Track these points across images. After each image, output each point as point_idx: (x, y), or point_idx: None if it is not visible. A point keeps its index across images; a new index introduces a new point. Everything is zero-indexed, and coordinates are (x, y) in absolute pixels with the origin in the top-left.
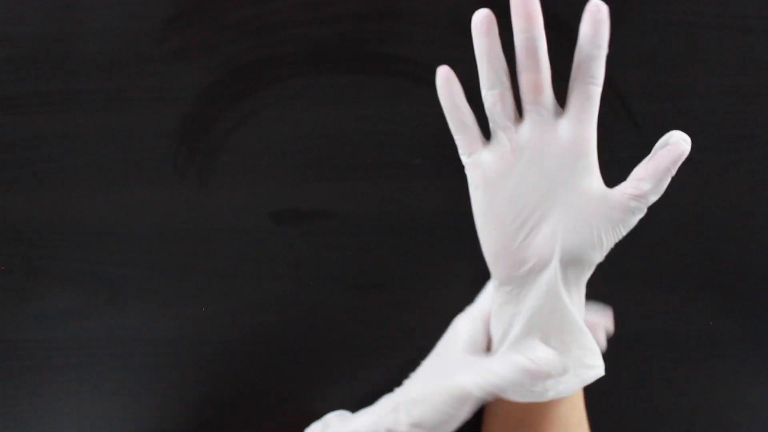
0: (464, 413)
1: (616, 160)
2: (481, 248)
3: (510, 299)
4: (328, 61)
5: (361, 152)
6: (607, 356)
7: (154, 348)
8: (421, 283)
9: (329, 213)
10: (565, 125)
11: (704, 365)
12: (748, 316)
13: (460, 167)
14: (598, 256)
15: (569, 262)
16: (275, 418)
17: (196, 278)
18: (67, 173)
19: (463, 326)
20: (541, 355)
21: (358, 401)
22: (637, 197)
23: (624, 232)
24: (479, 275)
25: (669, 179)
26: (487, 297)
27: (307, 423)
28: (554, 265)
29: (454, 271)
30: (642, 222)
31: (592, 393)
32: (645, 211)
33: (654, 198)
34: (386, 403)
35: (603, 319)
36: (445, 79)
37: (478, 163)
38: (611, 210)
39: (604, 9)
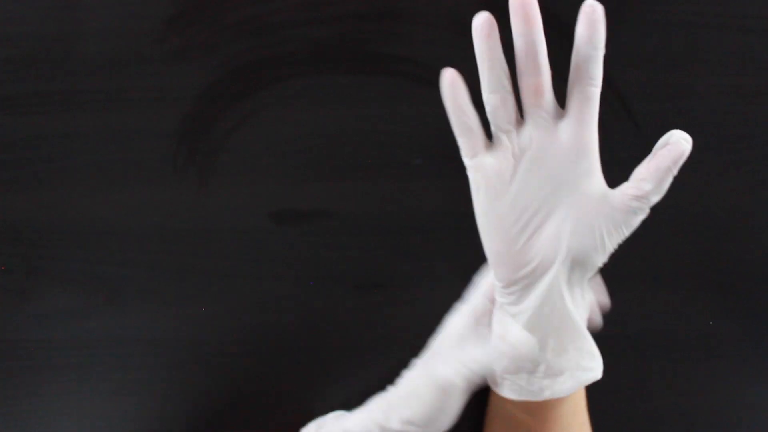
0: (452, 406)
1: (616, 160)
2: (484, 250)
3: (512, 301)
4: (328, 61)
5: (361, 152)
6: (607, 356)
7: (154, 348)
8: (421, 283)
9: (329, 213)
10: (565, 127)
11: (704, 365)
12: (748, 316)
13: (460, 167)
14: (601, 258)
15: (571, 264)
16: (275, 418)
17: (196, 278)
18: (67, 173)
19: (453, 323)
20: (515, 337)
21: (358, 401)
22: (639, 198)
23: (627, 233)
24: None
25: (670, 179)
26: (478, 293)
27: (307, 423)
28: (556, 268)
29: (454, 271)
30: (642, 222)
31: (592, 393)
32: (647, 211)
33: (656, 198)
34: (379, 401)
35: (596, 295)
36: (451, 82)
37: (481, 165)
38: (613, 211)
39: (600, 9)
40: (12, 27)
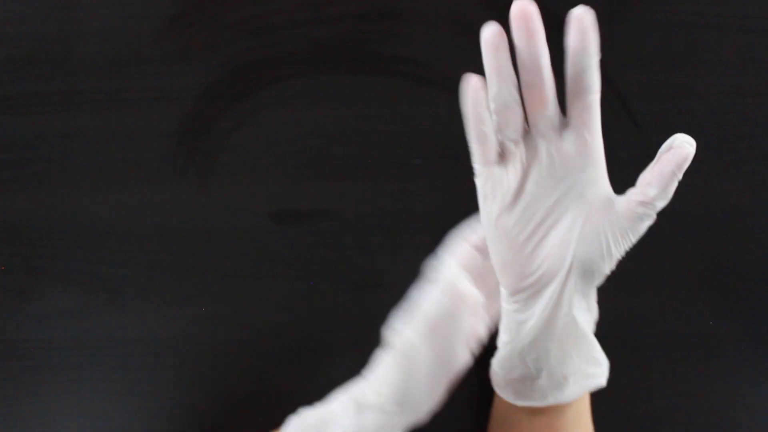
0: (420, 373)
1: (616, 160)
2: (491, 258)
3: (517, 308)
4: (328, 61)
5: (361, 152)
6: (607, 356)
7: (154, 348)
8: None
9: (329, 213)
10: (570, 136)
11: (704, 365)
12: (748, 316)
13: (460, 167)
14: (608, 266)
15: (578, 273)
16: (275, 418)
17: (196, 278)
18: (67, 173)
19: (423, 300)
20: (463, 286)
21: None
22: (644, 203)
23: (633, 239)
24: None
25: (675, 183)
26: (443, 268)
27: None
28: (562, 276)
29: None
30: None
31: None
32: (654, 217)
33: (661, 203)
34: (357, 380)
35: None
36: (473, 88)
37: (490, 174)
38: (619, 218)
39: (589, 16)
40: (12, 27)
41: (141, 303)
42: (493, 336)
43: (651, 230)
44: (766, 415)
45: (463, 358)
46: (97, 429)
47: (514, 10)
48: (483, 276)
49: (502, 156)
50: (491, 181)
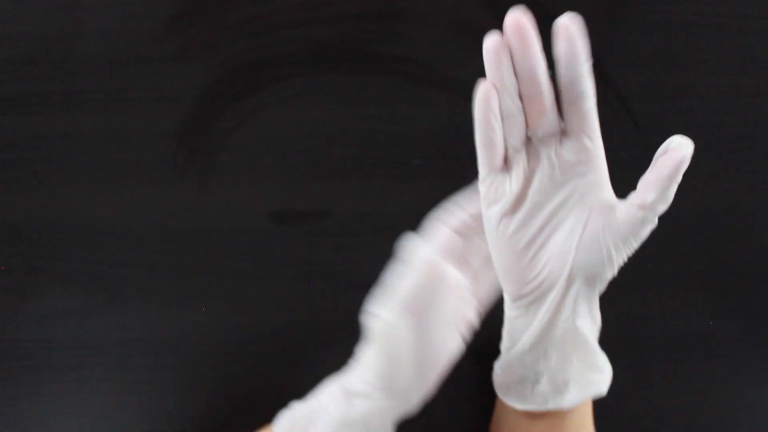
0: (401, 353)
1: (616, 160)
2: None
3: (520, 314)
4: (328, 61)
5: (361, 152)
6: (607, 356)
7: (154, 348)
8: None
9: (329, 213)
10: (570, 143)
11: (704, 365)
12: (748, 316)
13: (459, 167)
14: (609, 272)
15: (579, 279)
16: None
17: (196, 278)
18: (67, 173)
19: (398, 282)
20: (441, 267)
21: None
22: (643, 208)
23: (635, 245)
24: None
25: (674, 186)
26: (418, 250)
27: None
28: (562, 283)
29: None
30: None
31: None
32: (655, 221)
33: (662, 207)
34: (345, 369)
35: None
36: (485, 94)
37: (494, 180)
38: (620, 223)
39: (574, 25)
40: (12, 27)
41: (141, 303)
42: (497, 340)
43: (651, 230)
44: (766, 415)
45: (453, 343)
46: (97, 429)
47: (508, 22)
48: (466, 259)
49: (506, 163)
50: (494, 187)
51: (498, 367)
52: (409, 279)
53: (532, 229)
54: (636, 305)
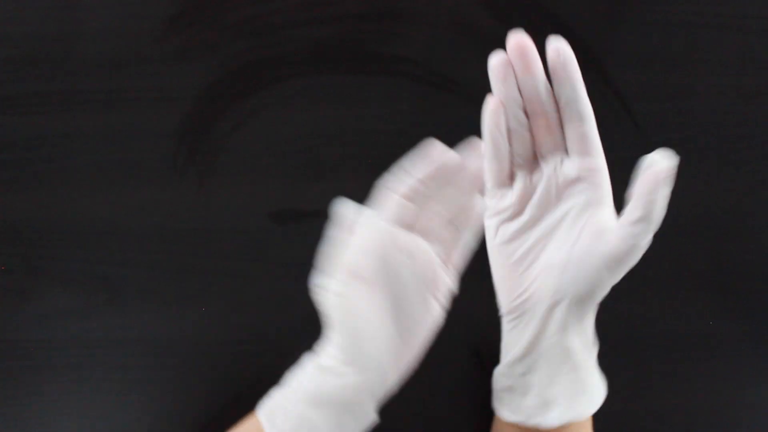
0: (362, 324)
1: (616, 160)
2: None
3: (511, 327)
4: (328, 61)
5: (361, 152)
6: (607, 356)
7: (154, 348)
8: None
9: (329, 213)
10: (572, 161)
11: (704, 365)
12: (748, 316)
13: None
14: (600, 292)
15: (568, 298)
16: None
17: (196, 278)
18: (67, 173)
19: (341, 251)
20: (391, 232)
21: None
22: (632, 224)
23: (626, 267)
24: (478, 273)
25: (660, 202)
26: (362, 218)
27: None
28: (548, 300)
29: None
30: None
31: None
32: (649, 239)
33: (650, 224)
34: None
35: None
36: (494, 109)
37: (497, 194)
38: (610, 244)
39: (565, 50)
40: (12, 27)
41: (141, 303)
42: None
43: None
44: (766, 415)
45: (428, 311)
46: (97, 429)
47: (511, 45)
48: (425, 225)
49: (511, 177)
50: (497, 201)
51: (495, 373)
52: (353, 246)
53: (527, 243)
54: (636, 305)
